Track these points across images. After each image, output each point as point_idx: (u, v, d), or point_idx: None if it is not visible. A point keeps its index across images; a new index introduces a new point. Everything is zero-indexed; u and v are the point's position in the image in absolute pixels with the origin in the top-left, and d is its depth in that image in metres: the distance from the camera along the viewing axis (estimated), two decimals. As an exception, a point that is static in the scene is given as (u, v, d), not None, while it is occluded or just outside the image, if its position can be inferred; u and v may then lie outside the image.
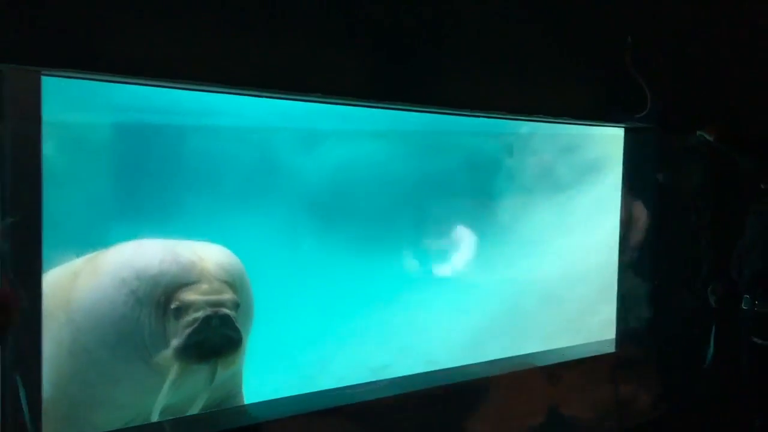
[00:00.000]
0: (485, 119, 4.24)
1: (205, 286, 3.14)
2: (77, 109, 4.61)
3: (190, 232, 3.57)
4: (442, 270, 6.38)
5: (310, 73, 3.07)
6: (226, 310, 3.10)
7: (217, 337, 3.07)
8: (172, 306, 3.11)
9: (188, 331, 3.04)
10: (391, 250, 6.71)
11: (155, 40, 2.65)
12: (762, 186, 3.94)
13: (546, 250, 5.95)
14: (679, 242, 4.74)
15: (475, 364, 4.34)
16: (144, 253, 3.24)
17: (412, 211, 6.86)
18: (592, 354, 4.68)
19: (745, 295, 3.94)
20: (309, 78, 3.08)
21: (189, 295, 3.10)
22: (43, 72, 2.46)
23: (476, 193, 6.60)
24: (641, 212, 4.73)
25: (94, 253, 3.33)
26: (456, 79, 3.66)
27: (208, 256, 3.31)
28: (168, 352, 3.08)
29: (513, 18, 3.90)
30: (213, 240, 3.58)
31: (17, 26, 2.40)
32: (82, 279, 3.15)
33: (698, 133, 4.14)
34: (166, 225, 5.07)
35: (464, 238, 6.42)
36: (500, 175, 6.47)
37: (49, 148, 2.59)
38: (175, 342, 3.07)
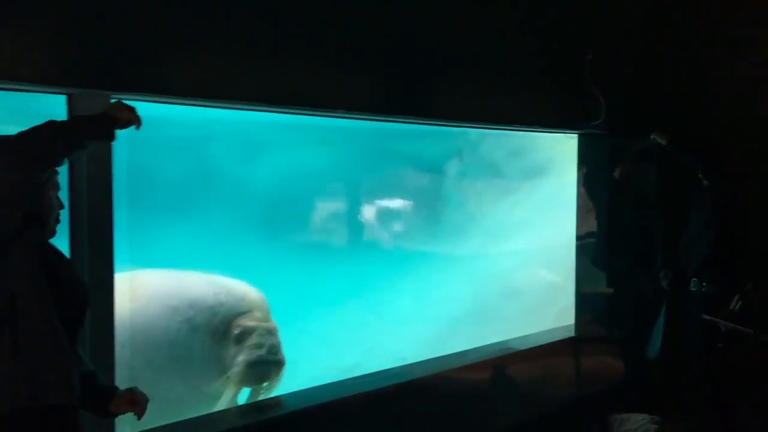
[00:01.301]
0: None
1: (258, 314, 3.61)
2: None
3: (129, 246, 3.72)
4: (402, 271, 6.64)
5: (324, 92, 3.38)
6: (277, 336, 3.60)
7: (273, 361, 3.54)
8: (235, 332, 3.51)
9: (256, 351, 3.48)
10: (348, 253, 6.90)
11: (206, 66, 2.86)
12: (704, 182, 4.51)
13: (502, 248, 6.35)
14: (631, 234, 5.31)
15: (445, 355, 4.69)
16: (192, 284, 3.61)
17: (364, 215, 7.03)
18: (555, 339, 5.16)
19: (693, 279, 4.47)
20: (324, 96, 3.38)
21: (248, 322, 3.55)
22: (112, 96, 2.59)
23: (430, 196, 6.89)
24: (596, 208, 5.26)
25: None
26: (444, 95, 4.04)
27: (248, 288, 3.74)
28: (236, 370, 3.47)
29: (491, 40, 4.32)
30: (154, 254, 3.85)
31: (86, 52, 2.53)
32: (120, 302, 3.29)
33: (651, 136, 4.67)
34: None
35: (421, 239, 6.73)
36: (451, 177, 6.81)
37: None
38: (241, 360, 3.47)
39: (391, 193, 6.93)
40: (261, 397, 3.57)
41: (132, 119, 2.15)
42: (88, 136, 2.07)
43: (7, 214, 1.87)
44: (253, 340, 3.52)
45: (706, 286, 4.41)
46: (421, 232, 6.78)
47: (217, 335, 3.55)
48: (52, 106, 2.63)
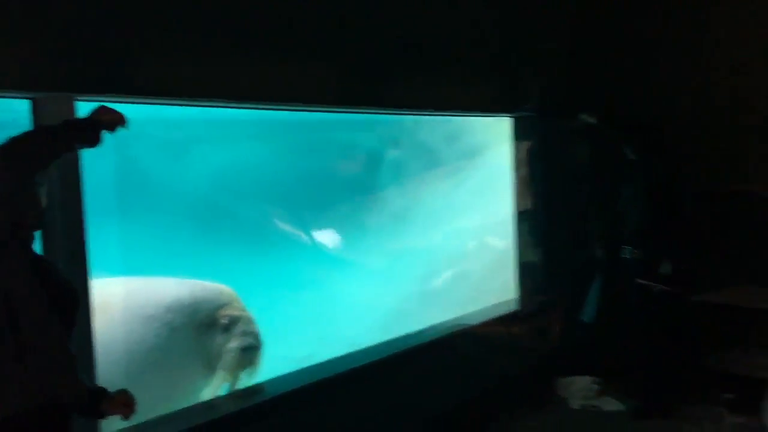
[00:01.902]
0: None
1: (237, 305, 3.77)
2: None
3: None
4: (345, 260, 6.72)
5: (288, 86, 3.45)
6: (257, 325, 3.79)
7: (259, 346, 3.75)
8: (223, 321, 3.66)
9: (247, 338, 3.67)
10: (290, 247, 6.91)
11: (174, 65, 2.88)
12: (632, 157, 4.84)
13: (443, 230, 6.54)
14: (567, 209, 5.61)
15: (399, 337, 4.88)
16: (163, 289, 3.70)
17: (301, 208, 7.06)
18: (501, 313, 5.42)
19: (627, 246, 4.82)
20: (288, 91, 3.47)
21: (233, 312, 3.72)
22: (76, 98, 2.58)
23: (367, 185, 6.98)
24: (531, 186, 5.54)
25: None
26: (389, 85, 4.19)
27: (218, 284, 3.89)
28: (229, 357, 3.62)
29: (425, 29, 4.49)
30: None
31: (49, 55, 2.52)
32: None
33: (581, 116, 4.96)
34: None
35: (362, 227, 6.82)
36: (388, 164, 6.93)
37: None
38: (234, 346, 3.63)
39: (329, 183, 6.99)
40: (242, 384, 3.69)
41: (116, 120, 2.18)
42: (76, 141, 2.10)
43: (2, 216, 1.88)
44: (241, 327, 3.67)
45: (637, 253, 4.74)
46: (361, 221, 6.88)
47: (201, 329, 3.64)
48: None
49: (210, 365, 3.73)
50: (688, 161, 5.19)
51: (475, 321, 5.18)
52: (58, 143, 2.04)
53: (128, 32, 2.80)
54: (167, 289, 3.69)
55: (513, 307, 5.55)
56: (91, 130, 2.12)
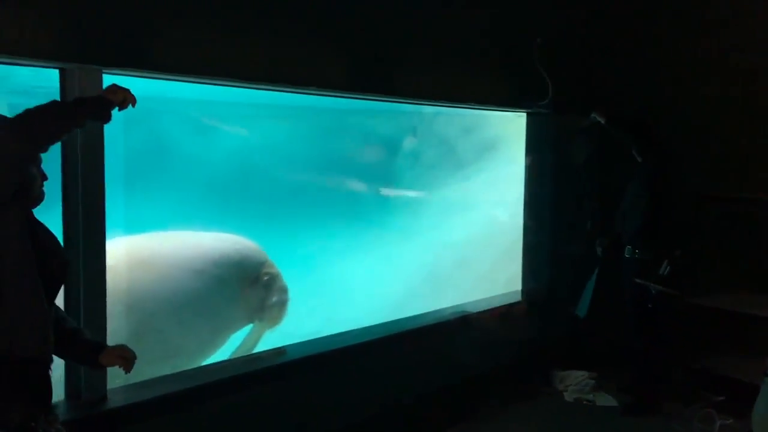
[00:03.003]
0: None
1: (270, 261, 4.27)
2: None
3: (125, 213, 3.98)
4: (357, 243, 6.88)
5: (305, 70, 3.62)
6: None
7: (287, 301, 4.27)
8: (265, 278, 4.16)
9: (285, 294, 4.26)
10: (305, 226, 7.08)
11: (197, 43, 3.06)
12: (639, 158, 4.92)
13: (455, 221, 6.68)
14: (572, 206, 5.73)
15: (406, 318, 5.03)
16: (210, 245, 4.11)
17: (320, 189, 7.21)
18: (504, 302, 5.56)
19: (628, 246, 4.91)
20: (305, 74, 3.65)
21: (271, 269, 4.22)
22: (103, 70, 2.77)
23: (383, 171, 7.12)
24: (542, 182, 5.65)
25: (121, 247, 3.69)
26: (408, 75, 4.33)
27: (254, 243, 4.35)
28: (271, 311, 4.18)
29: (454, 26, 4.64)
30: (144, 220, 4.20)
31: (80, 29, 2.71)
32: (139, 272, 3.64)
33: (591, 115, 5.05)
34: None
35: (377, 212, 6.99)
36: (405, 153, 7.07)
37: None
38: (275, 301, 4.20)
39: (347, 168, 7.14)
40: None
41: (127, 98, 2.29)
42: (87, 116, 2.22)
43: (8, 181, 2.02)
44: (278, 283, 4.23)
45: (638, 253, 4.82)
46: (378, 206, 7.03)
47: (245, 283, 4.13)
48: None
49: (250, 317, 4.22)
50: (693, 165, 5.29)
51: (478, 308, 5.30)
52: (69, 118, 2.15)
53: (155, 10, 2.98)
54: (213, 245, 4.10)
55: (516, 298, 5.69)
56: (102, 108, 2.24)
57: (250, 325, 4.42)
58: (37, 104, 2.10)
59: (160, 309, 3.61)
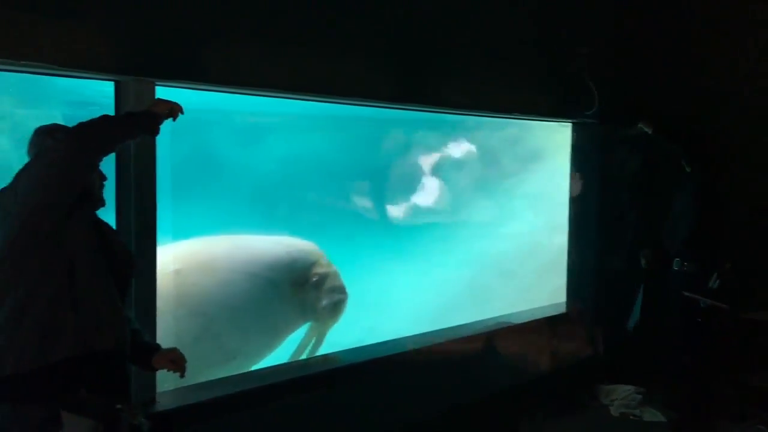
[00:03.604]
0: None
1: (324, 261, 4.34)
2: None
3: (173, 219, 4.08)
4: (401, 253, 6.90)
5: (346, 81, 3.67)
6: (341, 277, 4.40)
7: (345, 298, 4.38)
8: (314, 279, 4.23)
9: (333, 293, 4.30)
10: (349, 236, 7.13)
11: (246, 56, 3.15)
12: (687, 169, 4.82)
13: (498, 232, 6.66)
14: (619, 218, 5.64)
15: (447, 328, 5.01)
16: (264, 248, 4.23)
17: (366, 199, 7.27)
18: (548, 314, 5.50)
19: (676, 259, 4.81)
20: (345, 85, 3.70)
21: (320, 269, 4.29)
22: (156, 83, 2.87)
23: (427, 180, 7.15)
24: (587, 193, 5.59)
25: (175, 253, 3.81)
26: (455, 85, 4.35)
27: (307, 242, 4.45)
28: (322, 309, 4.24)
29: (497, 36, 4.65)
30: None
31: (134, 43, 2.82)
32: (194, 277, 3.72)
33: (638, 125, 4.98)
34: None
35: (421, 222, 7.01)
36: (448, 163, 7.09)
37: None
38: (326, 303, 4.23)
39: (392, 178, 7.19)
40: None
41: (174, 109, 2.40)
42: (136, 129, 2.35)
43: (69, 188, 2.14)
44: (329, 283, 4.29)
45: (687, 266, 4.71)
46: (422, 216, 7.05)
47: (296, 285, 4.23)
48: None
49: (304, 317, 4.31)
50: (744, 176, 5.15)
51: (522, 319, 5.27)
52: (120, 131, 2.29)
53: (206, 24, 3.07)
54: (267, 248, 4.23)
55: (561, 310, 5.62)
56: (150, 121, 2.36)
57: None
58: (91, 117, 2.22)
59: (221, 314, 3.72)
